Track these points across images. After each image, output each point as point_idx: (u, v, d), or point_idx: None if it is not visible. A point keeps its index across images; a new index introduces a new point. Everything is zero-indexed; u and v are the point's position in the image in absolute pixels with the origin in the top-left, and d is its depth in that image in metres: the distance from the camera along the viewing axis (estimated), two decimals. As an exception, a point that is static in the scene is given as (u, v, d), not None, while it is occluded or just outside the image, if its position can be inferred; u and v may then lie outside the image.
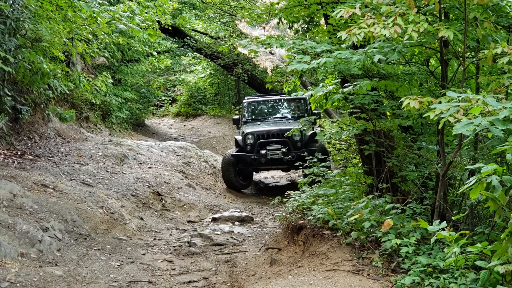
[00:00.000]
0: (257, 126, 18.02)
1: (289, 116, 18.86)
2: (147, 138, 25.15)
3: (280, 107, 19.44)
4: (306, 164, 14.70)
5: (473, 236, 6.81)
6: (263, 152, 16.86)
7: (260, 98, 19.96)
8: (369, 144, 9.48)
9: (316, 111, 16.26)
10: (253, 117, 19.04)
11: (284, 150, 16.74)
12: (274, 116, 19.05)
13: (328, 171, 11.29)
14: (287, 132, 15.73)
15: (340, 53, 7.97)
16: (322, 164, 11.45)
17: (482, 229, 7.31)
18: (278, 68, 22.23)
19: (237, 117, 19.45)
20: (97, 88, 18.98)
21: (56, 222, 10.69)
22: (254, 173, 19.22)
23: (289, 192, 11.51)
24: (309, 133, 16.75)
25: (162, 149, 19.29)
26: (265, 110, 19.27)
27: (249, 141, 17.21)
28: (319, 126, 18.98)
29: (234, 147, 18.33)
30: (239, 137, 17.79)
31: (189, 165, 18.48)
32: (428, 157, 9.11)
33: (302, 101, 18.55)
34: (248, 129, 17.74)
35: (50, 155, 14.63)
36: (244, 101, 19.99)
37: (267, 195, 17.48)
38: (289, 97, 17.76)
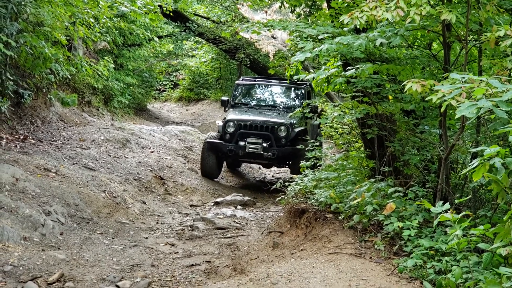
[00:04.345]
0: (243, 113, 16.40)
1: (283, 106, 16.96)
2: (149, 123, 25.14)
3: (276, 94, 17.80)
4: (289, 162, 14.43)
5: (475, 219, 6.82)
6: (242, 143, 15.22)
7: (256, 81, 18.25)
8: (372, 128, 9.48)
9: (312, 105, 14.37)
10: (243, 101, 17.36)
11: (265, 145, 15.11)
12: (267, 104, 17.33)
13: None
14: (275, 125, 15.22)
15: (342, 39, 7.96)
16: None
17: (485, 212, 7.33)
18: (280, 52, 22.06)
19: (226, 98, 17.41)
20: (99, 73, 18.97)
21: (59, 206, 10.71)
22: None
23: (292, 176, 11.52)
24: (297, 129, 15.49)
25: (164, 134, 19.30)
26: (258, 96, 17.75)
27: (229, 129, 15.49)
28: (319, 125, 17.23)
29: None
30: (221, 123, 16.13)
31: (191, 150, 18.47)
32: (431, 140, 9.11)
33: (302, 90, 17.00)
34: (231, 115, 16.15)
35: (53, 140, 14.65)
36: (236, 81, 18.64)
37: (270, 180, 17.47)
38: (288, 84, 16.76)
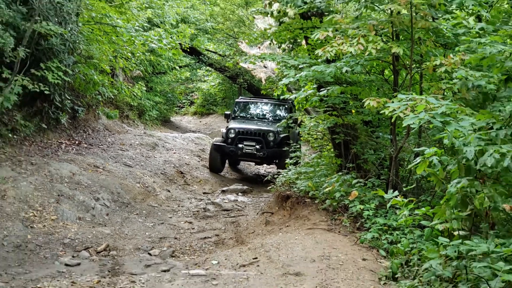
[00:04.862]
0: (241, 123, 16.00)
1: (271, 118, 16.59)
2: (172, 131, 25.02)
3: (265, 109, 17.12)
4: (276, 161, 14.37)
5: (418, 203, 6.79)
6: (240, 145, 15.00)
7: (250, 100, 18.06)
8: (339, 134, 9.47)
9: (294, 118, 13.77)
10: (241, 114, 16.81)
11: (258, 147, 14.89)
12: (258, 116, 16.83)
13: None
14: (266, 132, 15.03)
15: (316, 67, 7.98)
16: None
17: (425, 197, 7.32)
18: (270, 78, 21.94)
19: (228, 112, 17.24)
20: (135, 94, 18.85)
21: (105, 194, 10.68)
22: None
23: (279, 170, 11.49)
24: (282, 135, 15.16)
25: (183, 139, 19.23)
26: (252, 110, 17.17)
27: (231, 135, 15.24)
28: (299, 133, 16.22)
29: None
30: (224, 130, 15.85)
31: (204, 151, 18.37)
32: (384, 143, 9.10)
33: (285, 106, 16.64)
34: (232, 124, 15.80)
35: (100, 144, 14.58)
36: (236, 100, 18.15)
37: (262, 174, 17.41)
38: (274, 101, 16.66)
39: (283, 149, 13.87)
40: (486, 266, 4.07)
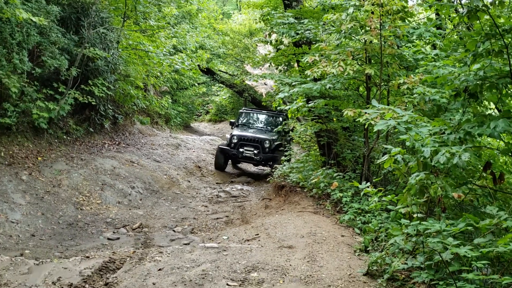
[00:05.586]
0: (243, 130, 15.21)
1: (269, 126, 15.74)
2: (191, 134, 24.97)
3: (264, 119, 16.20)
4: (270, 163, 14.18)
5: (385, 192, 6.78)
6: (241, 150, 14.30)
7: (252, 110, 17.10)
8: (323, 138, 9.47)
9: (286, 128, 13.34)
10: (244, 123, 15.96)
11: (255, 151, 14.21)
12: (258, 125, 15.99)
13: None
14: (263, 139, 14.34)
15: (306, 85, 7.99)
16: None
17: (391, 187, 7.30)
18: (269, 93, 21.86)
19: (233, 121, 16.49)
20: (163, 105, 18.84)
21: (139, 183, 10.67)
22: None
23: (276, 165, 11.50)
24: (276, 143, 14.48)
25: (201, 141, 19.21)
26: (253, 119, 16.33)
27: (234, 140, 14.45)
28: (291, 139, 15.07)
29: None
30: (229, 136, 15.01)
31: (217, 150, 18.35)
32: (358, 145, 9.08)
33: (280, 117, 15.78)
34: (235, 131, 15.03)
35: (135, 144, 14.58)
36: (240, 110, 17.35)
37: (263, 169, 17.38)
38: (272, 112, 16.04)
39: (276, 154, 13.67)
40: (439, 241, 4.05)
